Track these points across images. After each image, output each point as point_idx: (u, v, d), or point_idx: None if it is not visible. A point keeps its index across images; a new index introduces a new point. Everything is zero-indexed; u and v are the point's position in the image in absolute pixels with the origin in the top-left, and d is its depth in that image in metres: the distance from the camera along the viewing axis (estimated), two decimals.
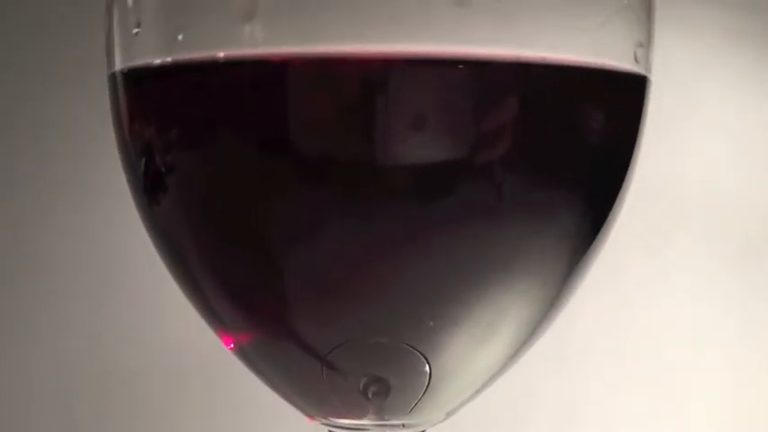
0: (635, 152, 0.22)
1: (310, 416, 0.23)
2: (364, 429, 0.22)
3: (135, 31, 0.19)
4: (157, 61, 0.19)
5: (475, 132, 0.18)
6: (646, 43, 0.21)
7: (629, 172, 0.22)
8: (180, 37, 0.19)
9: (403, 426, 0.22)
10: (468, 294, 0.20)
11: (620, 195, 0.22)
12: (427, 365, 0.21)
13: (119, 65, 0.20)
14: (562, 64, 0.19)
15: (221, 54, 0.18)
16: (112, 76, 0.21)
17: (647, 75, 0.21)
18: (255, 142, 0.19)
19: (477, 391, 0.22)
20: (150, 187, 0.20)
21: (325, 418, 0.22)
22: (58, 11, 0.51)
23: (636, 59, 0.21)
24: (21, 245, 0.52)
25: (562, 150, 0.19)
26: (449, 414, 0.23)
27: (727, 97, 0.58)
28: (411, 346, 0.20)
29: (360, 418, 0.22)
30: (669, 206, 0.57)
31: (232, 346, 0.22)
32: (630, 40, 0.20)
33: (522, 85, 0.18)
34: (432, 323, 0.20)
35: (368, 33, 0.18)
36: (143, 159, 0.20)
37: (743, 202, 0.58)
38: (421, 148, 0.18)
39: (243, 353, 0.22)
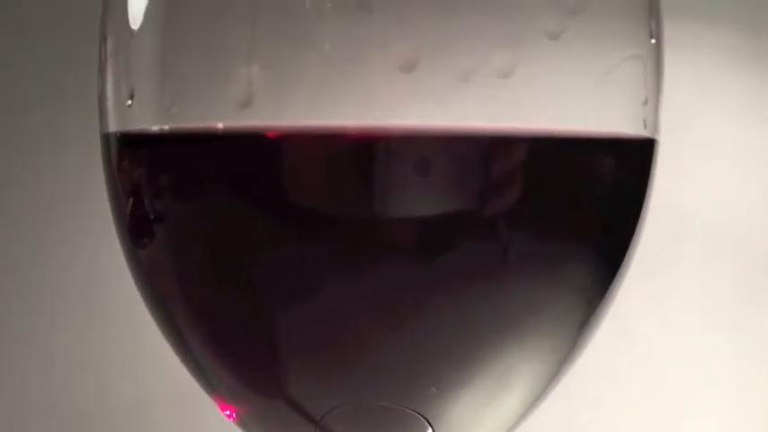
0: (642, 213, 0.21)
1: None
2: None
3: (128, 102, 0.19)
4: (154, 128, 0.19)
5: (478, 209, 0.18)
6: (653, 96, 0.21)
7: (636, 231, 0.21)
8: (174, 109, 0.18)
9: None
10: (473, 359, 0.19)
11: (627, 254, 0.21)
12: (430, 429, 0.20)
13: (112, 127, 0.20)
14: (563, 136, 0.19)
15: (219, 125, 0.18)
16: (106, 138, 0.20)
17: (655, 136, 0.21)
18: (247, 213, 0.18)
19: None
20: (141, 250, 0.20)
21: None
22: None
23: (644, 125, 0.20)
24: (9, 274, 0.52)
25: (567, 224, 0.19)
26: None
27: (731, 116, 0.58)
28: (414, 411, 0.20)
29: None
30: (668, 228, 0.57)
31: (227, 412, 0.21)
32: (636, 98, 0.20)
33: (525, 161, 0.18)
34: (434, 389, 0.20)
35: (370, 112, 0.18)
36: (135, 224, 0.20)
37: (744, 225, 0.58)
38: (422, 228, 0.18)
39: (239, 419, 0.22)
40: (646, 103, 0.20)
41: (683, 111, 0.57)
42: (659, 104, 0.21)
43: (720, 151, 0.58)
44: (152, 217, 0.19)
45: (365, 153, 0.17)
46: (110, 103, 0.20)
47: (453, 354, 0.19)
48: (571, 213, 0.19)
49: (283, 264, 0.18)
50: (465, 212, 0.18)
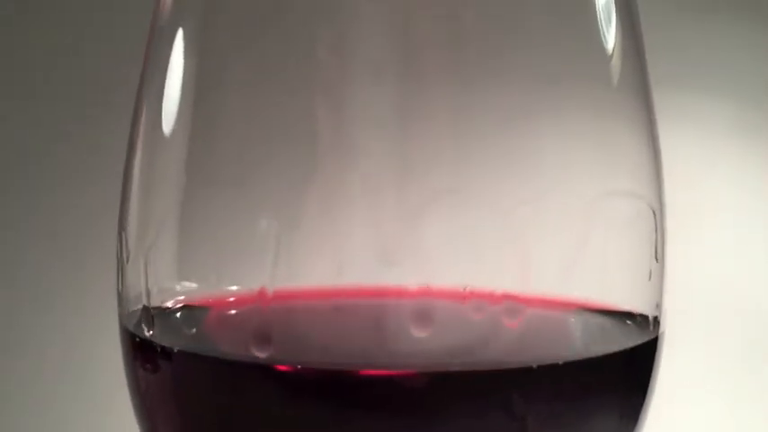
0: (644, 408, 0.21)
1: None
2: None
3: (149, 333, 0.20)
4: (175, 348, 0.19)
5: None
6: (658, 273, 0.21)
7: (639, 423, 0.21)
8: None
9: None
10: None
11: None
12: None
13: (130, 326, 0.21)
14: (566, 362, 0.19)
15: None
16: (125, 331, 0.21)
17: (658, 334, 0.21)
18: None
19: None
20: None
21: None
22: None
23: (653, 324, 0.20)
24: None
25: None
26: None
27: (735, 192, 0.58)
28: None
29: None
30: (671, 297, 0.57)
31: None
32: (639, 273, 0.20)
33: (521, 391, 0.18)
34: None
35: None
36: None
37: (749, 293, 0.58)
38: None
39: None
40: (649, 276, 0.21)
41: (686, 181, 0.57)
42: (663, 272, 0.21)
43: (723, 221, 0.58)
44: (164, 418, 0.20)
45: (373, 397, 0.18)
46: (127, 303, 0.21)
47: None
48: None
49: None
50: None
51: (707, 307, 0.57)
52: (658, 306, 0.21)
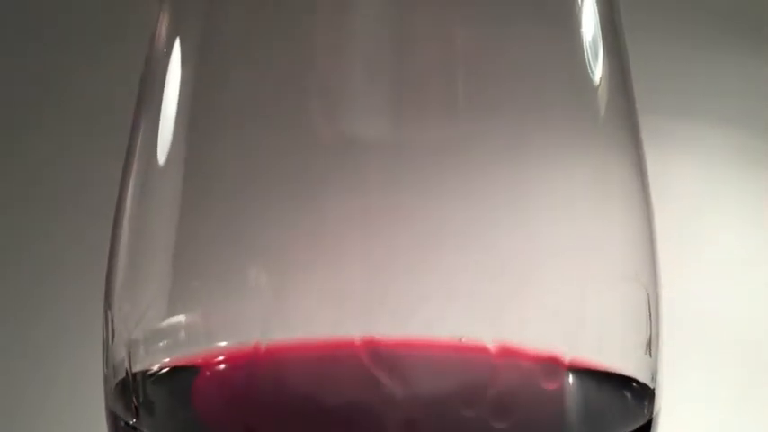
0: None
1: None
2: None
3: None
4: None
5: None
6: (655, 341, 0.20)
7: None
8: None
9: None
10: None
11: None
12: None
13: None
14: None
15: None
16: (111, 414, 0.20)
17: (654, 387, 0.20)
18: None
19: None
20: None
21: None
22: None
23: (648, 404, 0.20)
24: None
25: None
26: None
27: (735, 222, 0.57)
28: None
29: None
30: (671, 326, 0.57)
31: None
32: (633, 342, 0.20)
33: None
34: None
35: None
36: None
37: (751, 322, 0.57)
38: None
39: None
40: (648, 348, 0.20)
41: (689, 210, 0.56)
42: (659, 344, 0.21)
43: (727, 249, 0.57)
44: None
45: None
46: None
47: None
48: None
49: None
50: None
51: (707, 338, 0.57)
52: (654, 378, 0.21)
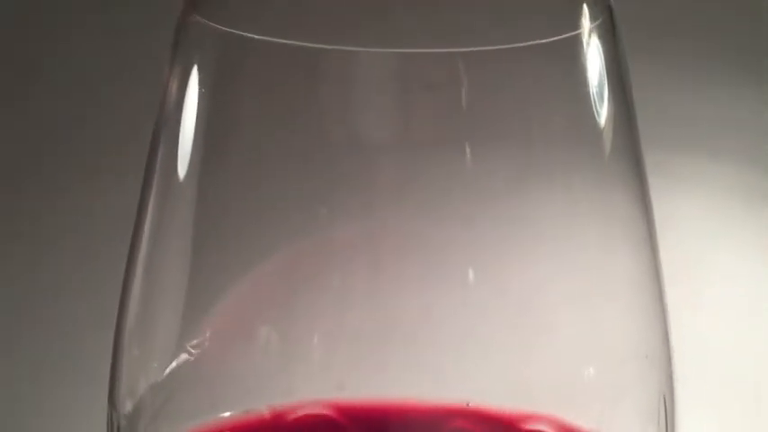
0: None
1: None
2: None
3: None
4: None
5: None
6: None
7: None
8: None
9: None
10: None
11: None
12: None
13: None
14: None
15: None
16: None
17: None
18: None
19: None
20: None
21: None
22: None
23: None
24: None
25: None
26: None
27: (740, 249, 0.57)
28: None
29: None
30: (679, 365, 0.56)
31: None
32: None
33: None
34: None
35: None
36: None
37: (759, 358, 0.57)
38: None
39: None
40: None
41: (691, 243, 0.56)
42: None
43: (731, 283, 0.57)
44: None
45: None
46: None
47: None
48: None
49: None
50: None
51: (716, 375, 0.57)
52: None
